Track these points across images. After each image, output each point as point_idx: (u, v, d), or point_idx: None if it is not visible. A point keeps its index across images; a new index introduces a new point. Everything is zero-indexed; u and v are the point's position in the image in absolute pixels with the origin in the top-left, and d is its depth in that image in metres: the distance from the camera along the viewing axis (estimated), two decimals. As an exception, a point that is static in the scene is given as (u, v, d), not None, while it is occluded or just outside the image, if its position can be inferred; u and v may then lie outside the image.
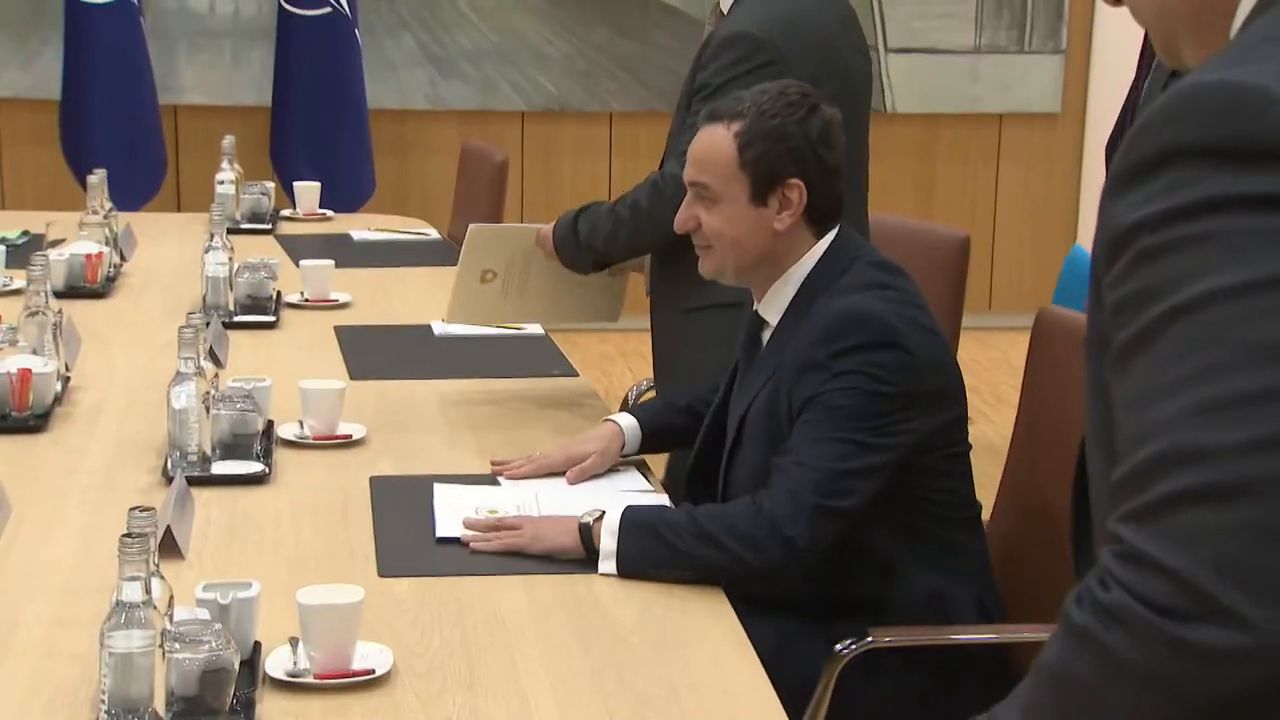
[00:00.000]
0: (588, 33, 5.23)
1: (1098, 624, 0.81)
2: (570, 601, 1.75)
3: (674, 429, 2.23)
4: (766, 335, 2.03)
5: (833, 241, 2.00)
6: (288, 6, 4.84)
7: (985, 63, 5.38)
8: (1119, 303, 0.81)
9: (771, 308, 2.01)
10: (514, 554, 1.84)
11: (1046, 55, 5.38)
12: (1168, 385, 0.79)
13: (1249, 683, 0.77)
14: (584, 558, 1.83)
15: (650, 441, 2.21)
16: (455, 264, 2.62)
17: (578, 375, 2.71)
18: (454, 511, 1.96)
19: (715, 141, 1.99)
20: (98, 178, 3.35)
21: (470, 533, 1.89)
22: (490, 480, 2.13)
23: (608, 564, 1.81)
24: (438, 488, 2.05)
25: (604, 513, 1.83)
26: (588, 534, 1.83)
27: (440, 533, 1.91)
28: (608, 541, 1.81)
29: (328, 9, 4.84)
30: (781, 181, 1.96)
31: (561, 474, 2.13)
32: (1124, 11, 0.99)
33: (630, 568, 1.80)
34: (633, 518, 1.83)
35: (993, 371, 5.04)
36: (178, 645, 1.37)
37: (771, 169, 1.96)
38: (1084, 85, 5.46)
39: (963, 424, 1.98)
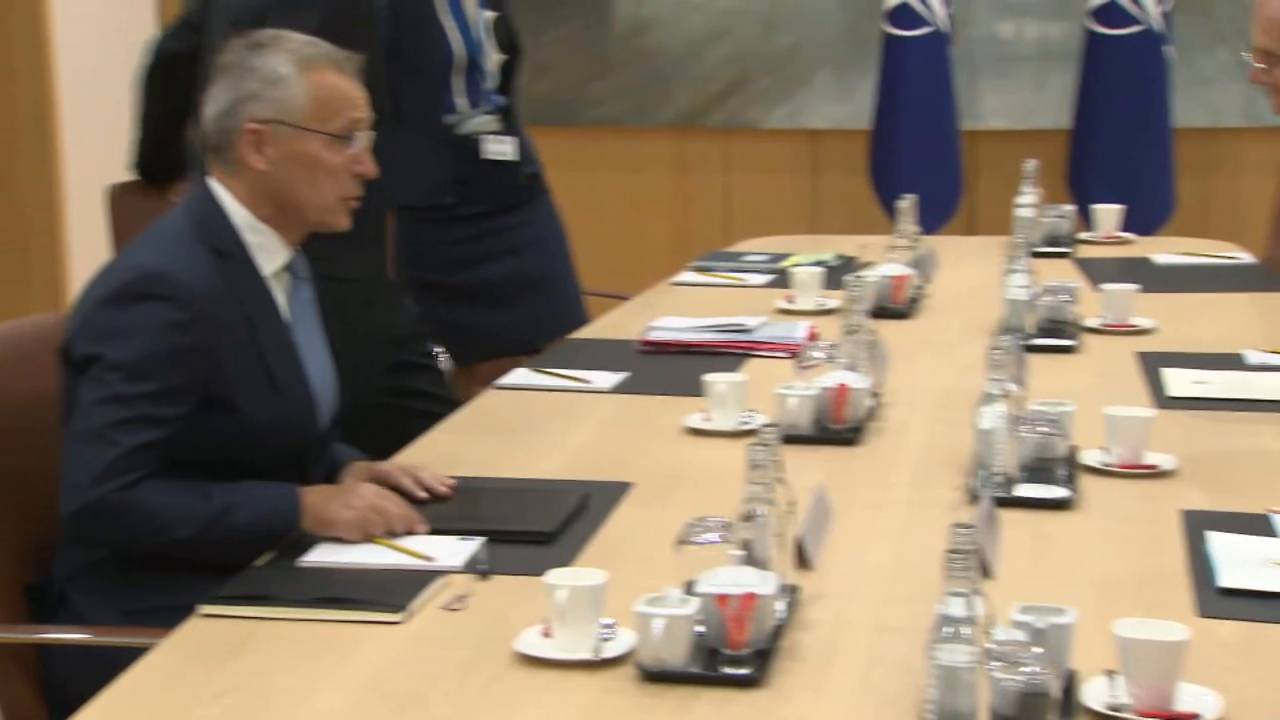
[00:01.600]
0: None
1: None
2: None
3: None
4: None
5: None
6: (1096, 27, 4.77)
7: None
8: None
9: None
10: None
11: None
12: None
13: None
14: None
15: None
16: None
17: None
18: (1237, 560, 1.82)
19: None
20: (907, 202, 3.49)
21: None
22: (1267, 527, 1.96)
23: None
24: (1211, 535, 1.90)
25: None
26: None
27: (1224, 583, 1.78)
28: None
29: (1139, 27, 4.72)
30: None
31: None
32: None
33: None
34: None
35: None
36: (999, 664, 1.39)
37: None
38: None
39: None
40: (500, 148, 3.46)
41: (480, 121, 3.46)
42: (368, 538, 1.95)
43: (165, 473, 1.94)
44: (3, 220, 4.90)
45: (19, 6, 4.80)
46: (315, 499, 1.98)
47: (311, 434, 2.13)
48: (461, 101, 3.43)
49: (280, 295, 2.10)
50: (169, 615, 1.82)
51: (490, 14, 3.47)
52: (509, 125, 3.50)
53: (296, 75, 2.03)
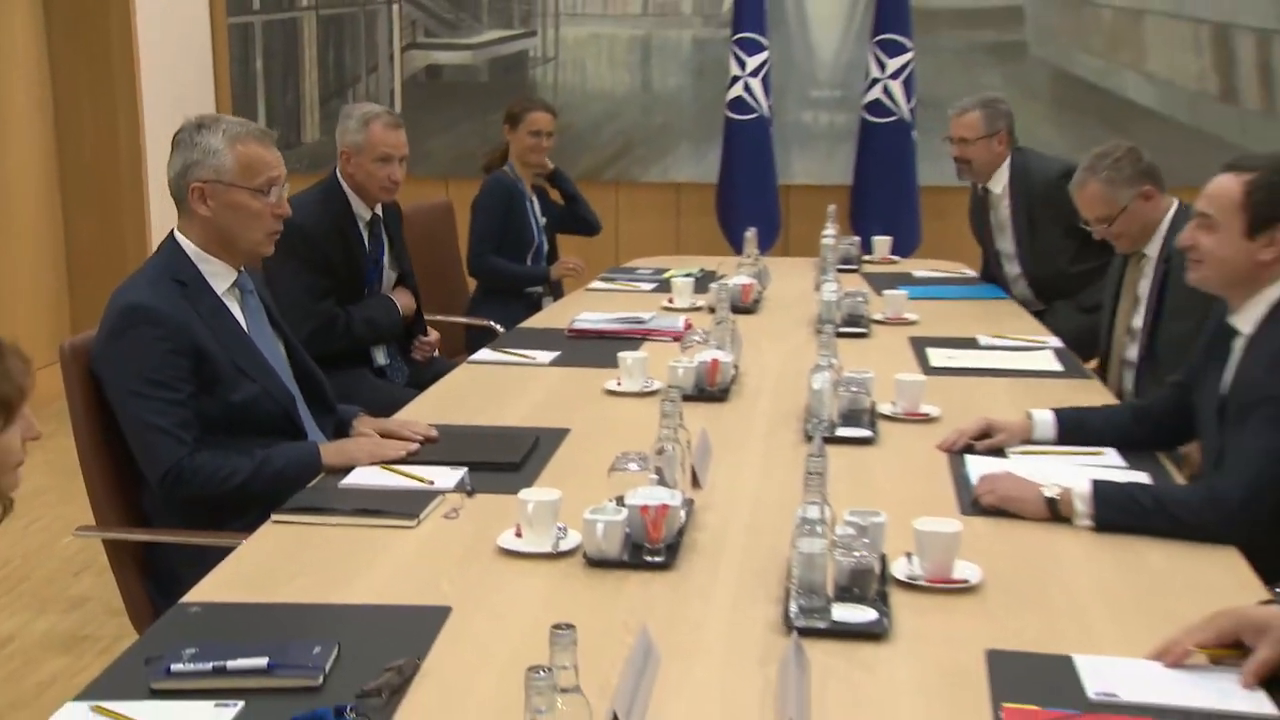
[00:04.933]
0: None
1: None
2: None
3: (1088, 427, 2.07)
4: (1238, 343, 1.83)
5: None
6: (868, 117, 4.84)
7: None
8: None
9: (1245, 320, 1.83)
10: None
11: None
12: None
13: None
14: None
15: (1068, 434, 2.05)
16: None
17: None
18: (981, 471, 1.83)
19: (1226, 185, 1.84)
20: (751, 234, 3.51)
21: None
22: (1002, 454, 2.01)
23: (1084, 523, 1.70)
24: (969, 459, 1.96)
25: (1065, 488, 1.71)
26: (1054, 507, 1.72)
27: (976, 491, 1.80)
28: (1080, 507, 1.69)
29: (895, 117, 4.78)
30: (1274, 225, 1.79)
31: None
32: None
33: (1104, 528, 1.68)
34: (1104, 492, 1.69)
35: None
36: (839, 550, 1.41)
37: (1272, 214, 1.79)
38: None
39: None
40: (548, 301, 3.80)
41: (540, 288, 3.82)
42: (380, 460, 1.93)
43: (210, 446, 1.89)
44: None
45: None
46: (331, 445, 1.97)
47: (288, 403, 2.03)
48: None
49: (235, 306, 2.03)
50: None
51: (544, 219, 3.87)
52: (554, 287, 3.86)
53: (227, 147, 1.96)
